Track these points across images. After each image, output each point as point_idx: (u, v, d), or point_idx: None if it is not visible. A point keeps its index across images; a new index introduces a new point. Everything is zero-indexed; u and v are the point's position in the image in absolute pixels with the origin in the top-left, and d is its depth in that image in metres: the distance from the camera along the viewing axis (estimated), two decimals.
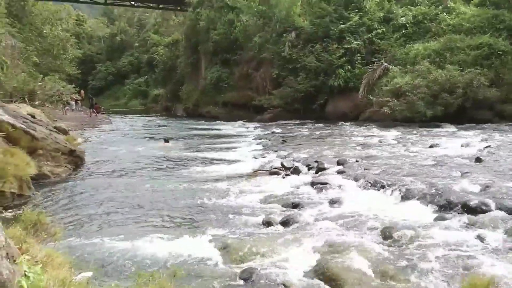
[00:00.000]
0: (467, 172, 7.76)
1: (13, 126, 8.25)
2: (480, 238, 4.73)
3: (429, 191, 6.48)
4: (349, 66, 23.51)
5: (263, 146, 14.22)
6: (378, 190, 7.08)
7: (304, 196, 7.20)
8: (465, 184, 6.79)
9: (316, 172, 8.91)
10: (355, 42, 23.64)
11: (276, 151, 12.40)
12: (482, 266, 4.01)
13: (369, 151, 11.36)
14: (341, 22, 24.27)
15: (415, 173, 7.92)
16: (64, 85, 26.67)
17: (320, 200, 6.89)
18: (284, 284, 3.93)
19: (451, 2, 22.98)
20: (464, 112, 18.48)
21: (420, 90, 18.67)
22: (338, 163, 9.40)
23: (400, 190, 6.79)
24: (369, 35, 23.94)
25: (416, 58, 20.96)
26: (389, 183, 7.17)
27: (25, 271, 2.37)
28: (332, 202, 6.62)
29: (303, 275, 4.18)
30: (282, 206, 6.72)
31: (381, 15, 24.52)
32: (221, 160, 11.68)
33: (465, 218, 5.40)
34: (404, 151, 11.17)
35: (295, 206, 6.61)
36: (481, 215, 5.42)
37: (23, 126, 8.69)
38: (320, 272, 4.14)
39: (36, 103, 19.36)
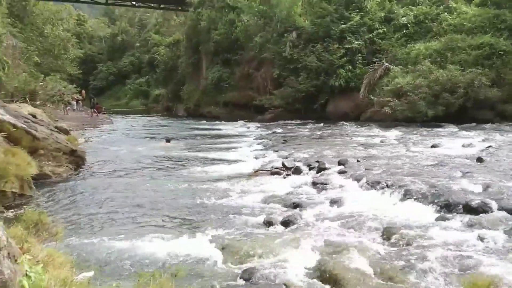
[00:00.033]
0: (468, 172, 7.75)
1: (14, 126, 8.26)
2: (481, 238, 4.71)
3: (430, 191, 6.47)
4: (350, 66, 23.50)
5: (264, 146, 14.22)
6: (379, 190, 7.06)
7: (305, 196, 7.19)
8: (466, 184, 6.77)
9: (317, 172, 8.91)
10: (356, 42, 23.63)
11: (277, 151, 12.39)
12: (483, 266, 4.00)
13: (370, 151, 11.34)
14: (342, 22, 24.26)
15: (416, 173, 7.91)
16: (65, 85, 26.70)
17: (321, 200, 6.89)
18: (285, 284, 3.93)
19: (452, 2, 22.96)
20: (465, 112, 18.46)
21: (421, 90, 18.66)
22: (339, 163, 9.39)
23: (401, 190, 6.78)
24: (370, 35, 23.93)
25: (417, 58, 20.94)
26: (390, 183, 7.16)
27: (26, 270, 2.37)
28: (333, 202, 6.61)
29: (304, 275, 4.17)
30: (283, 206, 6.72)
31: (382, 15, 24.50)
32: (222, 160, 11.68)
33: (466, 218, 5.38)
34: (405, 151, 11.16)
35: (296, 206, 6.61)
36: (482, 216, 5.40)
37: (25, 126, 8.70)
38: (321, 272, 4.14)
39: (37, 103, 19.39)
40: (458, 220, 5.38)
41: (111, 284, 3.39)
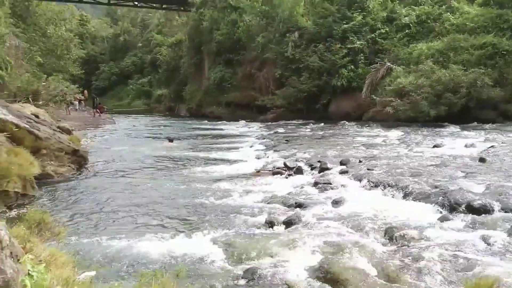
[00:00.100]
0: (470, 173, 7.73)
1: (17, 126, 8.28)
2: (484, 238, 4.70)
3: (432, 191, 6.45)
4: (352, 66, 23.49)
5: (266, 146, 14.22)
6: (381, 190, 7.06)
7: (307, 196, 7.19)
8: (468, 184, 6.75)
9: (319, 172, 8.91)
10: (358, 42, 23.61)
11: (279, 151, 12.40)
12: (486, 267, 3.98)
13: (372, 151, 11.33)
14: (344, 22, 24.25)
15: (418, 173, 7.89)
16: (67, 85, 26.82)
17: (323, 200, 6.88)
18: (287, 284, 3.93)
19: (454, 2, 22.93)
20: (468, 112, 18.42)
21: (423, 90, 18.64)
22: (341, 163, 9.39)
23: (403, 190, 6.77)
24: (372, 35, 23.92)
25: (420, 58, 20.92)
26: (392, 183, 7.15)
27: (28, 270, 2.38)
28: (335, 202, 6.60)
29: (306, 275, 4.17)
30: (285, 206, 6.71)
31: (384, 14, 24.48)
32: (224, 160, 11.69)
33: (468, 218, 5.37)
34: (408, 151, 11.14)
35: (298, 206, 6.60)
36: (485, 216, 5.39)
37: (27, 126, 8.73)
38: (323, 272, 4.13)
39: (40, 103, 19.46)
40: (460, 221, 5.37)
41: (113, 284, 3.40)
